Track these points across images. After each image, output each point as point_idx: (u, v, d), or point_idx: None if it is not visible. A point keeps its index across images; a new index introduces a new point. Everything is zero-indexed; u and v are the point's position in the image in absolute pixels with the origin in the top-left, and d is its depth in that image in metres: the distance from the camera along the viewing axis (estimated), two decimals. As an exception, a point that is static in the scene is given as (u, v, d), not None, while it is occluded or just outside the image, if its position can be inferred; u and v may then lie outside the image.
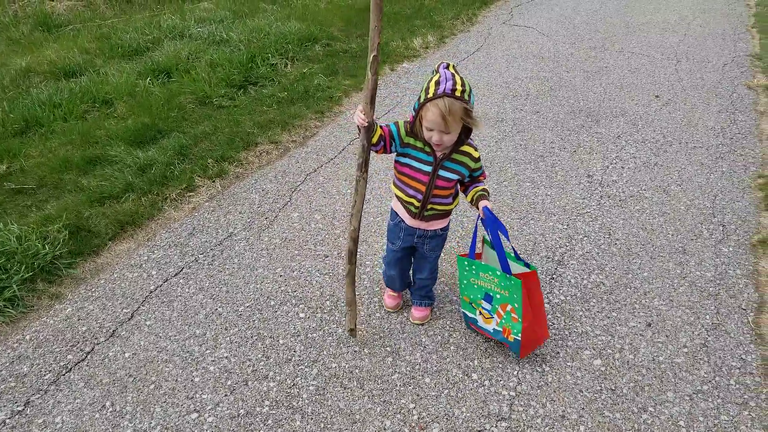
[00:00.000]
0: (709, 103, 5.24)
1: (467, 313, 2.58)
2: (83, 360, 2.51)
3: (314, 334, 2.65)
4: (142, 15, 7.11)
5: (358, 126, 2.10)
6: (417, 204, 2.33)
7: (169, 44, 5.98)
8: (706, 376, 2.47)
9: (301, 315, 2.77)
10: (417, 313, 2.73)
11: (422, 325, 2.72)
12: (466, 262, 2.45)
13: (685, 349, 2.61)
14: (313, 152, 4.29)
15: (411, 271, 2.74)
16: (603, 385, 2.41)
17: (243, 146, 4.23)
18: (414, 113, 2.13)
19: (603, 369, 2.49)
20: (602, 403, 2.33)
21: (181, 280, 2.99)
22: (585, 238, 3.35)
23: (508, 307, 2.36)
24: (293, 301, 2.84)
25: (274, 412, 2.27)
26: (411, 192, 2.32)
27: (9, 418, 2.24)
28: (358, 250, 2.48)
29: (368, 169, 2.20)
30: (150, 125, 4.34)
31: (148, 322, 2.72)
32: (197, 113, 4.67)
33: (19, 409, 2.29)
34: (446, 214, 2.44)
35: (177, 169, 3.85)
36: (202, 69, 5.30)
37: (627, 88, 5.58)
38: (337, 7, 7.51)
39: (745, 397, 2.38)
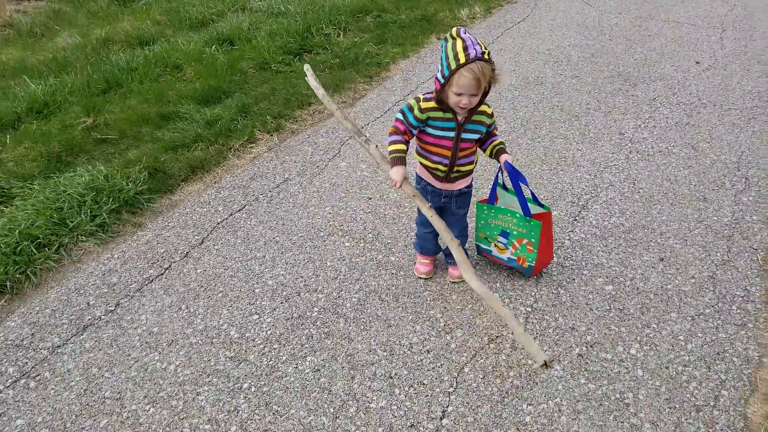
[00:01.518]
0: (749, 70, 5.33)
1: (481, 245, 2.91)
2: (162, 274, 2.98)
3: (357, 260, 3.04)
4: (206, -9, 7.59)
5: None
6: (443, 169, 2.47)
7: (232, 16, 6.44)
8: (709, 302, 2.74)
9: (347, 244, 3.16)
10: (455, 271, 2.84)
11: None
12: (485, 207, 2.75)
13: (693, 280, 2.87)
14: (361, 112, 4.65)
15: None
16: (612, 305, 2.71)
17: (298, 106, 4.64)
18: (442, 80, 2.22)
19: (613, 293, 2.78)
20: (610, 320, 2.63)
21: (243, 215, 3.42)
22: (610, 187, 3.61)
23: (524, 241, 2.69)
24: (339, 233, 3.24)
25: (321, 316, 2.68)
26: (436, 159, 2.46)
27: (104, 315, 2.72)
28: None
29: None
30: (215, 87, 4.79)
31: (216, 247, 3.17)
32: (257, 77, 5.11)
33: (111, 308, 2.76)
34: (470, 173, 2.60)
35: (240, 124, 4.29)
36: (262, 38, 5.73)
37: (668, 54, 5.71)
38: (388, -19, 7.80)
39: (745, 320, 2.63)
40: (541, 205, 2.73)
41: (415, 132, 2.44)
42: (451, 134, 2.38)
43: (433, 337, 2.55)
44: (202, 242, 3.21)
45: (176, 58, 5.30)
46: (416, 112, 2.35)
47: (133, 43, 5.80)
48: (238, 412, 2.23)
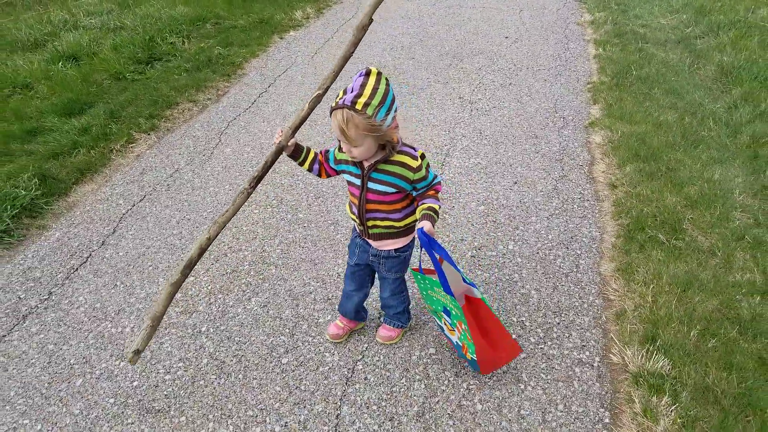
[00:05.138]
0: (547, 38, 6.43)
1: (436, 320, 2.50)
2: (86, 261, 3.11)
3: (270, 221, 3.39)
4: (28, 14, 7.30)
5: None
6: (356, 220, 2.18)
7: (66, 35, 6.31)
8: (557, 205, 3.50)
9: (255, 211, 3.49)
10: (383, 331, 2.57)
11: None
12: (419, 276, 2.32)
13: (542, 193, 3.62)
14: (229, 106, 4.95)
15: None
16: (487, 219, 3.36)
17: (166, 106, 4.82)
18: None
19: (486, 211, 3.43)
20: (488, 229, 3.27)
21: (146, 204, 3.60)
22: (463, 137, 4.30)
23: (463, 326, 2.22)
24: (246, 204, 3.54)
25: (254, 267, 3.01)
26: (354, 209, 2.16)
27: (39, 304, 2.82)
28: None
29: (257, 186, 2.07)
30: (74, 99, 4.79)
31: (130, 233, 3.34)
32: (115, 87, 5.17)
33: (45, 297, 2.87)
34: (398, 234, 2.18)
35: (114, 128, 4.39)
36: (108, 51, 5.75)
37: (482, 33, 6.66)
38: (217, -9, 8.06)
39: (586, 213, 3.42)
40: (472, 285, 2.25)
41: (331, 167, 2.19)
42: (357, 181, 2.07)
43: (355, 263, 3.01)
44: (114, 231, 3.36)
45: (23, 77, 5.17)
46: (335, 150, 2.14)
47: (-39, 70, 5.51)
48: (204, 348, 2.52)
